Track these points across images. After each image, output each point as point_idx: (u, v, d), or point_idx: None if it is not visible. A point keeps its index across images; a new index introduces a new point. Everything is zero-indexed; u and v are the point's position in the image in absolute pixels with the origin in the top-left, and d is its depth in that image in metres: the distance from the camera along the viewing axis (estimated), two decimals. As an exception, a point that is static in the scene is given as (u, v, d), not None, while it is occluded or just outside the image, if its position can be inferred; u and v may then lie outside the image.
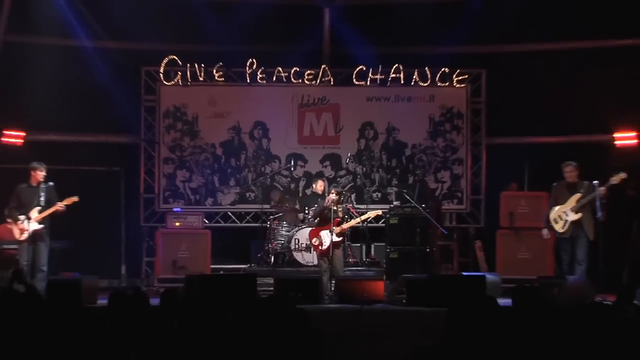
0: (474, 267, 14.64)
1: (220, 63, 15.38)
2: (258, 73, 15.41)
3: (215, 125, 15.63)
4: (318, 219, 12.71)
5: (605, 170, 12.61)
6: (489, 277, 11.97)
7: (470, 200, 15.56)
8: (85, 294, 10.64)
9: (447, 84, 15.46)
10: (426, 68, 15.35)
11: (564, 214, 12.03)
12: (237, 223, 15.48)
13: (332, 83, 15.56)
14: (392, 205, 14.33)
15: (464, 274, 13.60)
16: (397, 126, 15.65)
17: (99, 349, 4.39)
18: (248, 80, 15.47)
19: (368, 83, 15.49)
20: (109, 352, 4.26)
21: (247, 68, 15.39)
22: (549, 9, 14.99)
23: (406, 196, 13.78)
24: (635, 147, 15.32)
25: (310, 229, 13.00)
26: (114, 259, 13.98)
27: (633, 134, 15.32)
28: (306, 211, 13.92)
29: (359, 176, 15.58)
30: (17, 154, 14.62)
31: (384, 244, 13.87)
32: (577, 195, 11.93)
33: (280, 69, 15.39)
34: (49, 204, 11.94)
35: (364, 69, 15.41)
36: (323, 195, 13.51)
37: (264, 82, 15.48)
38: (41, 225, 11.94)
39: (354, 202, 14.76)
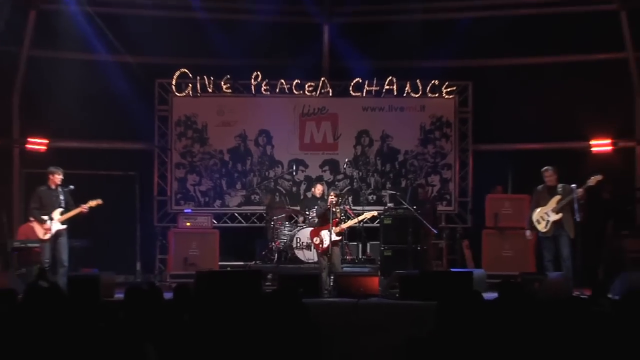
0: (462, 263, 14.68)
1: (228, 76, 15.37)
2: (262, 85, 15.42)
3: (223, 133, 15.63)
4: (318, 219, 12.78)
5: (582, 174, 12.59)
6: (476, 273, 11.93)
7: (458, 202, 15.56)
8: (103, 288, 10.62)
9: (436, 95, 15.46)
10: (417, 80, 15.35)
11: (545, 215, 12.02)
12: (243, 223, 15.46)
13: (330, 94, 15.56)
14: (386, 207, 14.38)
15: (453, 270, 13.61)
16: (391, 134, 15.65)
17: (116, 339, 4.38)
18: (253, 92, 15.48)
19: (364, 94, 15.49)
20: (125, 342, 4.25)
21: (253, 80, 15.39)
22: (529, 27, 15.04)
23: (399, 199, 13.81)
24: (610, 153, 15.33)
25: (311, 229, 13.03)
26: (129, 257, 13.97)
27: (608, 141, 15.32)
28: (307, 212, 13.91)
29: (355, 180, 15.57)
30: (41, 159, 14.61)
31: (378, 242, 13.89)
32: (557, 197, 11.93)
33: (283, 81, 15.40)
34: (67, 205, 11.99)
35: (360, 81, 15.42)
36: (321, 199, 13.53)
37: (268, 93, 15.49)
38: (64, 226, 11.97)
39: (351, 204, 14.74)
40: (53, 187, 12.08)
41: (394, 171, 15.65)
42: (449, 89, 15.44)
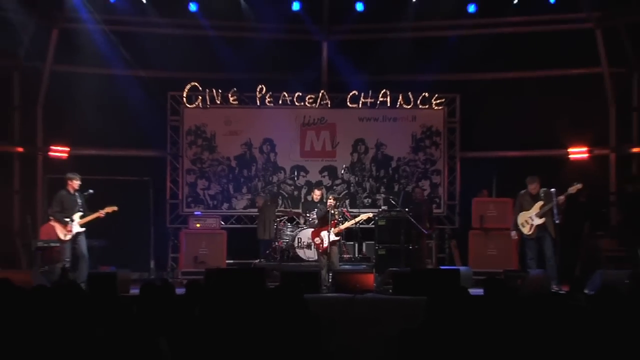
0: (450, 261, 14.66)
1: (235, 88, 15.37)
2: (266, 97, 15.41)
3: (230, 141, 15.62)
4: (318, 221, 12.80)
5: (561, 180, 12.65)
6: (463, 270, 11.94)
7: (446, 205, 15.55)
8: (119, 284, 10.61)
9: (427, 106, 15.45)
10: (409, 93, 15.35)
11: (529, 219, 12.05)
12: (248, 224, 15.40)
13: (329, 106, 15.55)
14: (380, 210, 14.36)
15: (442, 267, 13.63)
16: (385, 142, 15.64)
17: (132, 331, 4.39)
18: (258, 103, 15.47)
19: (360, 106, 15.48)
20: (139, 334, 4.26)
21: (257, 93, 15.38)
22: (511, 44, 15.09)
23: (392, 202, 13.82)
24: (586, 160, 15.35)
25: (312, 229, 13.04)
26: (144, 255, 13.96)
27: (584, 149, 15.33)
28: (307, 214, 13.91)
29: (352, 185, 15.58)
30: (63, 166, 14.64)
31: (373, 242, 13.87)
32: (540, 203, 11.95)
33: (285, 93, 15.39)
34: (83, 209, 12.03)
35: (357, 93, 15.41)
36: (319, 202, 13.51)
37: (272, 104, 15.47)
38: (83, 229, 12.01)
39: (348, 207, 14.75)
40: (72, 191, 12.11)
41: (388, 176, 15.64)
42: (438, 101, 15.44)
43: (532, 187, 12.12)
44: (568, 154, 15.38)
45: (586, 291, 9.58)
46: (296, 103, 15.44)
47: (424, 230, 13.12)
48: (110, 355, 3.98)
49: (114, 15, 14.96)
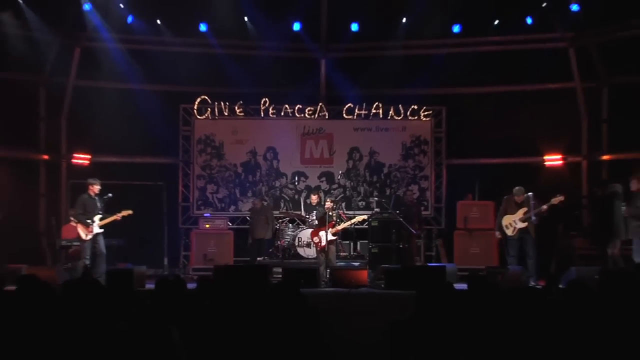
0: (437, 259, 14.68)
1: (241, 101, 15.38)
2: (270, 109, 15.42)
3: (236, 149, 15.62)
4: (317, 222, 12.80)
5: (537, 184, 12.68)
6: (448, 267, 11.96)
7: (433, 208, 15.54)
8: (136, 280, 10.62)
9: (415, 118, 15.46)
10: (399, 105, 15.35)
11: (513, 222, 12.09)
12: (253, 225, 15.44)
13: (327, 117, 15.56)
14: (373, 212, 14.36)
15: (429, 264, 13.63)
16: (377, 150, 15.64)
17: (147, 322, 4.39)
18: (262, 115, 15.47)
19: (355, 117, 15.48)
20: (154, 325, 4.26)
21: (261, 105, 15.39)
22: (493, 61, 15.11)
23: (384, 204, 13.83)
24: (561, 167, 15.37)
25: (311, 230, 13.05)
26: (158, 253, 13.94)
27: (559, 156, 15.36)
28: (307, 216, 13.91)
29: (348, 189, 15.58)
30: (85, 172, 14.61)
31: (367, 241, 13.89)
32: (524, 209, 11.97)
33: (287, 106, 15.40)
34: (102, 212, 12.05)
35: (352, 106, 15.41)
36: (317, 206, 13.54)
37: (274, 116, 15.48)
38: (102, 229, 12.02)
39: (344, 209, 14.75)
40: (93, 195, 12.12)
41: (380, 182, 15.64)
42: (426, 113, 15.44)
43: (518, 198, 12.13)
44: (544, 161, 15.40)
45: (561, 286, 9.57)
46: (297, 114, 15.45)
47: (413, 231, 13.12)
48: (127, 344, 3.98)
49: (131, 34, 15.01)
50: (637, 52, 13.94)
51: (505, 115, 14.99)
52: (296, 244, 13.66)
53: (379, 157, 15.66)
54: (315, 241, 12.57)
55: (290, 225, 14.34)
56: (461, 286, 6.31)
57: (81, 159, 15.33)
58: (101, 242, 12.02)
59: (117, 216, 12.07)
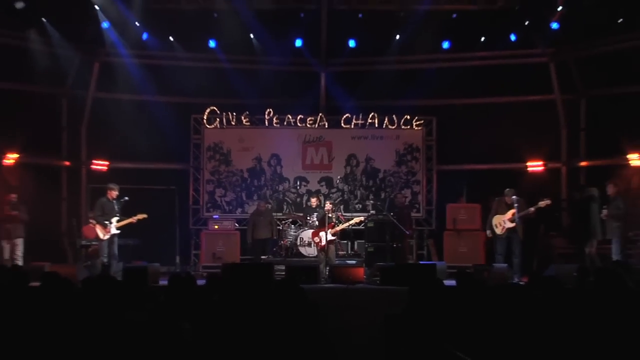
0: (428, 257, 14.68)
1: (247, 112, 15.38)
2: (274, 119, 15.43)
3: (243, 156, 15.62)
4: (318, 222, 12.80)
5: (520, 188, 12.67)
6: (438, 265, 11.94)
7: (425, 210, 15.53)
8: (150, 276, 10.61)
9: (408, 127, 15.46)
10: (393, 116, 15.35)
11: (502, 222, 12.09)
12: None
13: (326, 126, 15.55)
14: (369, 214, 14.36)
15: (421, 262, 13.63)
16: (373, 157, 15.63)
17: (160, 315, 4.39)
18: (266, 124, 15.48)
19: (352, 126, 15.48)
20: (167, 318, 4.27)
21: (266, 115, 15.41)
22: (479, 75, 15.13)
23: (379, 207, 13.82)
24: (542, 172, 15.39)
25: (312, 230, 13.05)
26: (170, 252, 13.91)
27: (540, 163, 15.39)
28: (307, 217, 13.90)
29: (345, 193, 15.57)
30: (103, 177, 14.68)
31: (363, 241, 13.90)
32: (513, 210, 11.97)
33: (289, 116, 15.41)
34: (120, 215, 12.06)
35: (349, 116, 15.41)
36: (316, 208, 13.53)
37: (278, 125, 15.49)
38: (118, 231, 12.03)
39: (343, 211, 14.75)
40: (110, 199, 12.14)
41: (376, 186, 15.63)
42: (418, 122, 15.44)
43: (508, 198, 12.12)
44: (526, 167, 15.42)
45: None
46: (298, 124, 15.45)
47: (406, 231, 13.13)
48: (141, 336, 3.98)
49: (146, 50, 15.04)
50: (613, 66, 13.98)
51: (490, 124, 15.00)
52: (298, 243, 13.65)
53: (374, 163, 15.65)
54: (316, 241, 12.58)
55: (293, 226, 14.35)
56: (450, 282, 6.32)
57: (100, 165, 15.35)
58: (116, 243, 12.04)
59: (133, 219, 12.11)
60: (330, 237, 12.23)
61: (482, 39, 14.90)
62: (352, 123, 15.45)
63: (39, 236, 13.10)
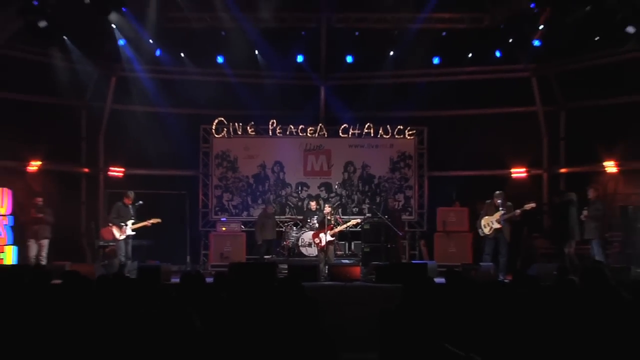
0: (420, 257, 14.67)
1: (252, 122, 15.38)
2: (277, 129, 15.44)
3: (248, 163, 15.61)
4: (318, 224, 12.80)
5: (505, 193, 12.64)
6: (429, 264, 11.92)
7: (417, 213, 15.53)
8: (163, 275, 10.58)
9: (401, 136, 15.47)
10: (388, 126, 15.37)
11: (491, 223, 12.05)
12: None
13: (326, 136, 15.56)
14: (365, 216, 14.34)
15: (413, 262, 13.63)
16: (369, 164, 15.64)
17: (172, 311, 4.39)
18: (270, 134, 15.49)
19: (349, 135, 15.49)
20: (178, 313, 4.27)
21: (270, 125, 15.42)
22: (467, 88, 15.17)
23: (375, 210, 13.82)
24: (525, 178, 15.41)
25: (312, 232, 13.05)
26: (181, 252, 13.91)
27: (523, 169, 15.41)
28: (308, 220, 13.89)
29: (343, 197, 15.56)
30: (119, 182, 14.71)
31: (360, 242, 13.89)
32: (501, 212, 11.96)
33: (291, 126, 15.42)
34: (135, 218, 12.07)
35: (347, 126, 15.43)
36: (316, 211, 13.52)
37: (281, 135, 15.49)
38: (133, 233, 12.04)
39: (341, 214, 14.73)
40: (126, 204, 12.18)
41: (371, 191, 15.63)
42: (410, 132, 15.46)
43: (497, 201, 12.10)
44: (510, 173, 15.44)
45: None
46: (300, 134, 15.46)
47: (399, 233, 13.13)
48: (154, 330, 3.98)
49: (159, 65, 15.04)
50: (590, 81, 14.02)
51: (477, 134, 15.01)
52: (299, 244, 13.65)
53: (370, 169, 15.66)
54: (316, 242, 12.58)
55: (295, 228, 14.34)
56: (440, 280, 6.32)
57: (116, 171, 15.36)
58: (130, 244, 12.05)
59: (148, 223, 12.14)
60: (329, 238, 12.24)
61: (470, 55, 14.94)
62: (350, 133, 15.47)
63: (60, 237, 13.10)
